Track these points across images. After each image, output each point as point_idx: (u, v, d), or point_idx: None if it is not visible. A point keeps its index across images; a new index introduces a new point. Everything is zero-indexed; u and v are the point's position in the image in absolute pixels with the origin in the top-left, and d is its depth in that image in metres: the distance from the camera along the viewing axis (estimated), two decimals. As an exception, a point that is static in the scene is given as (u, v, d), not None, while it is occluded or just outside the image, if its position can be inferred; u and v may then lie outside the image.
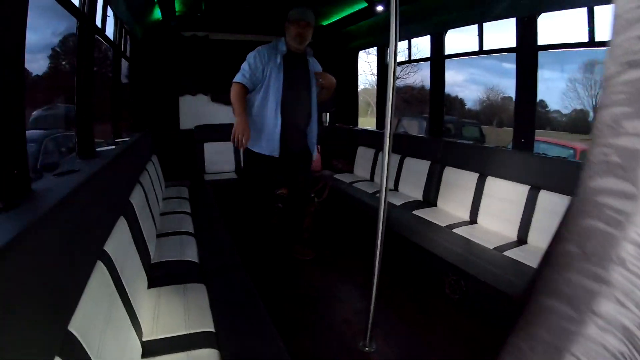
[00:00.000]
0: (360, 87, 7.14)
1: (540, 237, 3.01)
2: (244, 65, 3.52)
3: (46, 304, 1.15)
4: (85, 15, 2.59)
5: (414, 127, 11.91)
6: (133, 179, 2.90)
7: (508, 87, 23.30)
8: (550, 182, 3.03)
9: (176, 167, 5.25)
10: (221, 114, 5.73)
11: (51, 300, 1.18)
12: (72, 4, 2.43)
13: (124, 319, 1.66)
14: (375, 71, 5.89)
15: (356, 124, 6.46)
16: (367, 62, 17.39)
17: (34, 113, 11.60)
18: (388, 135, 2.14)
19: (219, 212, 3.78)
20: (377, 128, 5.76)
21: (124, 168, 2.78)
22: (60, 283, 1.27)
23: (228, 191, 4.82)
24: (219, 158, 5.48)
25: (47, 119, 7.66)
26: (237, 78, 3.50)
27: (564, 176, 2.93)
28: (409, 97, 18.11)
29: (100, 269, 1.56)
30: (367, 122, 13.41)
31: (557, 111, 24.73)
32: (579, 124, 23.65)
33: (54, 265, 1.26)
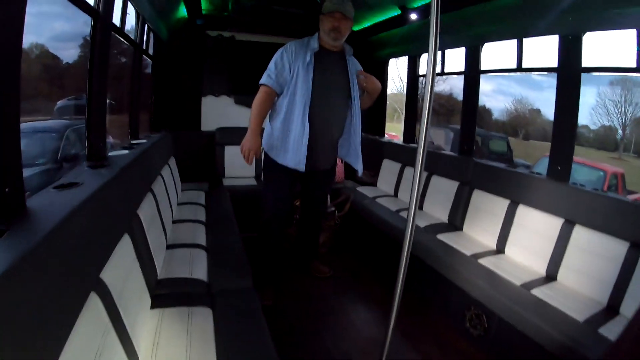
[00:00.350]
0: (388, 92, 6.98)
1: (571, 275, 2.79)
2: (270, 64, 3.13)
3: (31, 345, 1.04)
4: (99, 13, 2.45)
5: (440, 137, 11.71)
6: (144, 187, 2.77)
7: (536, 99, 22.94)
8: (587, 217, 2.81)
9: (195, 168, 5.18)
10: (244, 117, 5.52)
11: (37, 340, 1.06)
12: (85, 1, 2.30)
13: (119, 352, 1.53)
14: (403, 77, 5.66)
15: (383, 134, 6.26)
16: (395, 67, 17.26)
17: (59, 103, 11.74)
18: (420, 162, 1.86)
19: (235, 223, 3.64)
20: (404, 140, 5.55)
21: (136, 176, 2.65)
22: (48, 320, 1.14)
23: (246, 198, 4.71)
24: (239, 162, 5.24)
25: (71, 109, 7.67)
26: (263, 79, 3.12)
27: (602, 212, 2.72)
28: (436, 105, 17.82)
29: (93, 302, 1.42)
30: (393, 127, 13.25)
31: (585, 126, 24.39)
32: (606, 141, 23.27)
33: (41, 300, 1.13)
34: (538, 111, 23.35)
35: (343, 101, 3.19)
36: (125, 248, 1.93)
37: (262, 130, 3.19)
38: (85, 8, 2.34)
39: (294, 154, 3.08)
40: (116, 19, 2.83)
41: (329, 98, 3.11)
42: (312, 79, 3.04)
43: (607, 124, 23.81)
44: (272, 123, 3.20)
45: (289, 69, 3.05)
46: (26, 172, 4.47)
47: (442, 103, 18.47)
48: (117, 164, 2.42)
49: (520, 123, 23.97)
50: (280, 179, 3.26)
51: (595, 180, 7.75)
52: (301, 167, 3.08)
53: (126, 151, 2.95)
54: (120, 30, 3.12)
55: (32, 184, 5.69)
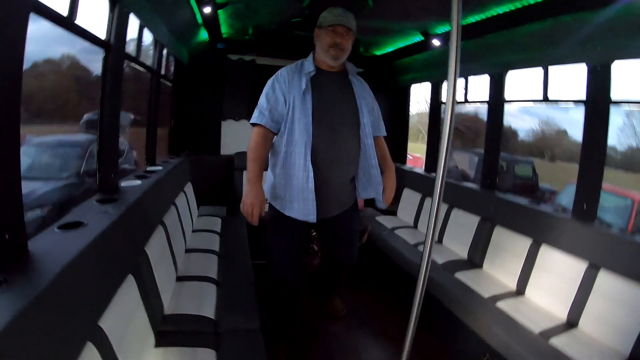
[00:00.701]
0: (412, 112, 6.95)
1: (593, 322, 2.63)
2: (261, 99, 2.63)
3: None
4: (110, 45, 2.45)
5: (465, 162, 11.54)
6: (155, 220, 2.74)
7: (563, 120, 22.55)
8: (612, 261, 2.65)
9: (214, 191, 5.19)
10: None
11: None
12: (94, 36, 2.30)
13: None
14: (428, 99, 5.58)
15: (404, 162, 6.17)
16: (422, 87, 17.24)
17: (85, 116, 11.99)
18: (437, 197, 1.71)
19: (249, 254, 3.58)
20: (425, 169, 5.46)
21: (147, 210, 2.62)
22: None
23: (263, 223, 4.62)
24: None
25: (97, 123, 7.79)
26: (254, 118, 2.59)
27: (629, 257, 2.57)
28: (462, 127, 17.56)
29: (89, 353, 1.38)
30: (417, 147, 13.17)
31: (613, 148, 23.88)
32: (635, 162, 22.75)
33: (36, 353, 1.10)
34: (564, 132, 22.92)
35: (352, 131, 2.66)
36: (128, 290, 1.90)
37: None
38: (96, 41, 2.35)
39: (300, 204, 2.57)
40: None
41: (334, 131, 2.60)
42: (312, 109, 2.54)
43: (634, 145, 23.33)
44: (272, 169, 2.73)
45: (284, 102, 2.56)
46: (48, 186, 4.55)
47: (468, 125, 18.21)
48: (127, 198, 2.41)
49: (547, 144, 23.58)
50: (289, 233, 2.75)
51: (623, 208, 7.52)
52: (312, 218, 2.57)
53: (139, 182, 2.93)
54: (135, 58, 3.13)
55: (53, 198, 5.78)
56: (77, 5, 2.03)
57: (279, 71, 2.66)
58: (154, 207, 2.81)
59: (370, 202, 5.60)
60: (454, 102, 1.60)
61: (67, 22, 1.98)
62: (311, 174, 2.50)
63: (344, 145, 2.63)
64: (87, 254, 1.56)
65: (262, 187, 2.51)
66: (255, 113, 2.60)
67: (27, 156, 6.78)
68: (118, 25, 2.47)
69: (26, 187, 5.71)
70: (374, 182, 2.73)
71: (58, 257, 1.42)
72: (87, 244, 1.60)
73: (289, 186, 2.59)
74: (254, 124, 2.59)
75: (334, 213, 2.77)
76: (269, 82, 2.65)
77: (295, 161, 2.53)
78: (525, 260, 3.22)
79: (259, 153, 2.53)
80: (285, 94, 2.55)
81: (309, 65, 2.64)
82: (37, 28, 1.55)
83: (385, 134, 2.92)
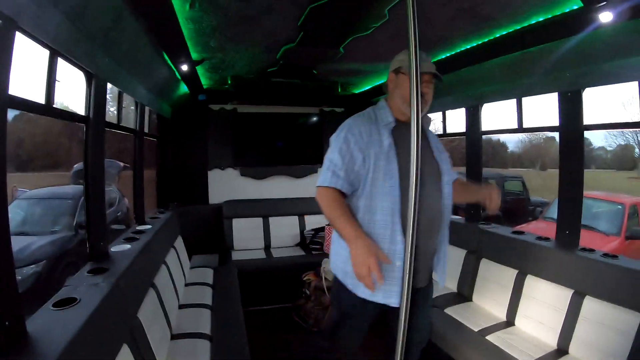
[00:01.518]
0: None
1: (583, 348, 2.68)
2: (332, 156, 2.10)
3: None
4: (89, 119, 2.52)
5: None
6: (147, 283, 2.77)
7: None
8: (597, 288, 2.71)
9: (204, 241, 5.22)
10: (250, 189, 5.73)
11: None
12: (73, 114, 2.42)
13: None
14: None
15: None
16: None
17: (75, 166, 11.99)
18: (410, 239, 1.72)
19: (240, 307, 3.59)
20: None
21: (138, 276, 2.65)
22: None
23: (255, 272, 4.73)
24: (248, 235, 5.41)
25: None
26: (325, 180, 2.08)
27: (613, 283, 2.63)
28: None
29: None
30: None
31: (602, 148, 24.14)
32: (624, 160, 22.96)
33: None
34: (552, 139, 23.16)
35: (435, 194, 2.18)
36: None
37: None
38: (76, 118, 2.42)
39: (384, 283, 1.95)
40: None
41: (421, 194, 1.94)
42: (398, 169, 2.06)
43: (622, 143, 23.61)
44: (340, 240, 2.13)
45: (362, 160, 2.07)
46: (42, 241, 4.59)
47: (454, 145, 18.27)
48: (117, 266, 2.45)
49: (536, 154, 23.79)
50: (362, 318, 2.25)
51: (615, 213, 7.61)
52: (394, 301, 2.05)
53: (129, 245, 2.96)
54: (116, 125, 3.21)
55: (48, 252, 5.81)
56: (54, 91, 2.11)
57: (349, 121, 2.20)
58: (144, 271, 2.84)
59: None
60: (419, 137, 1.67)
61: (46, 109, 2.06)
62: (400, 248, 2.02)
63: (430, 212, 2.13)
64: (82, 334, 1.60)
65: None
66: (327, 174, 2.08)
67: (19, 209, 6.83)
68: (96, 97, 2.52)
69: (20, 242, 5.73)
70: (444, 254, 2.28)
71: (56, 339, 1.48)
72: (82, 324, 1.65)
73: None
74: (322, 187, 2.09)
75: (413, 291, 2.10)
76: (340, 135, 2.15)
77: (377, 230, 2.06)
78: (512, 291, 3.27)
79: (343, 207, 2.05)
80: (364, 151, 2.07)
81: (386, 115, 2.19)
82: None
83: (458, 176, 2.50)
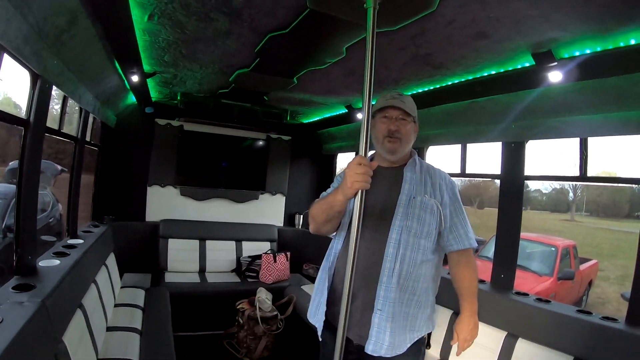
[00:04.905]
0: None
1: (515, 390, 2.73)
2: (333, 184, 2.22)
3: None
4: (29, 122, 2.38)
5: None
6: (74, 303, 2.61)
7: (487, 166, 23.72)
8: (530, 330, 2.79)
9: (138, 258, 5.04)
10: (190, 209, 5.56)
11: None
12: (12, 115, 2.28)
13: None
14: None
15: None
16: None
17: (11, 163, 11.29)
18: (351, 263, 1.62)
19: (171, 334, 3.45)
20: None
21: (65, 294, 2.48)
22: None
23: (187, 295, 4.59)
24: (184, 256, 5.23)
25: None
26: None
27: (545, 326, 2.71)
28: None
29: None
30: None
31: (538, 190, 25.31)
32: (558, 203, 24.13)
33: None
34: (491, 180, 24.09)
35: (380, 240, 2.00)
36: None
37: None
38: (15, 121, 2.29)
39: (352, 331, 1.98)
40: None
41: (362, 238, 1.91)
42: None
43: (558, 187, 24.85)
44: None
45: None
46: None
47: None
48: (44, 285, 2.30)
49: (475, 193, 24.62)
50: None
51: (548, 255, 7.97)
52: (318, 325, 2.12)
53: (58, 261, 2.79)
54: (57, 130, 3.07)
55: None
56: None
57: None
58: (73, 290, 2.68)
59: (297, 268, 5.66)
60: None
61: None
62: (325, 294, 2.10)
63: (365, 260, 1.98)
64: (4, 358, 1.51)
65: None
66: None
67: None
68: (39, 100, 2.39)
69: None
70: (386, 322, 1.94)
71: None
72: (5, 347, 1.54)
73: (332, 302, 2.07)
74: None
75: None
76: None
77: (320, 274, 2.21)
78: (447, 331, 3.28)
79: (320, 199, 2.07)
80: None
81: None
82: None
83: (468, 246, 2.12)
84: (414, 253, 1.97)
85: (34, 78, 2.37)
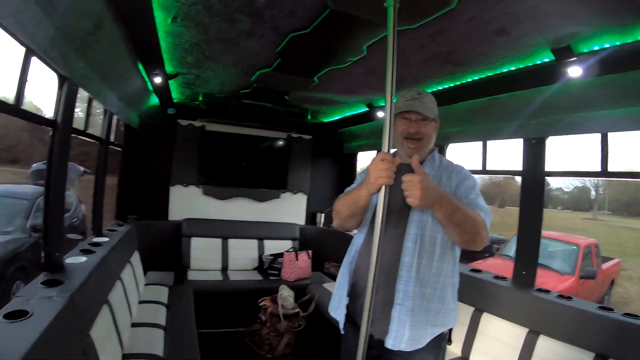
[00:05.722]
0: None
1: (536, 386, 2.72)
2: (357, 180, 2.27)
3: None
4: (57, 123, 2.43)
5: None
6: (101, 300, 2.66)
7: (509, 164, 23.50)
8: (551, 327, 2.77)
9: (161, 257, 5.11)
10: (212, 208, 5.62)
11: None
12: (41, 117, 2.35)
13: None
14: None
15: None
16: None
17: (34, 166, 11.52)
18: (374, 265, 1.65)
19: (195, 329, 3.50)
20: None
21: (92, 290, 2.54)
22: None
23: (210, 293, 4.64)
24: (206, 255, 5.30)
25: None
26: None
27: (567, 322, 2.69)
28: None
29: None
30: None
31: (559, 189, 24.97)
32: (580, 202, 23.79)
33: None
34: (512, 178, 23.82)
35: (397, 236, 2.01)
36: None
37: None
38: (43, 122, 2.35)
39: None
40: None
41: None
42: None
43: (580, 185, 24.45)
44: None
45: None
46: None
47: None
48: (72, 281, 2.35)
49: (496, 191, 24.40)
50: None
51: (570, 253, 7.85)
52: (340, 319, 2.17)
53: (84, 258, 2.86)
54: (83, 131, 3.12)
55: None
56: (24, 92, 2.04)
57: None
58: (99, 286, 2.73)
59: (318, 266, 5.66)
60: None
61: (14, 109, 1.99)
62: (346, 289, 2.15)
63: (384, 257, 1.94)
64: (34, 351, 1.54)
65: None
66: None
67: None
68: (66, 102, 2.45)
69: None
70: (407, 317, 1.95)
71: (5, 355, 1.42)
72: (35, 340, 1.58)
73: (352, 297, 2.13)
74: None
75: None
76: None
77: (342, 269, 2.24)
78: (468, 328, 3.30)
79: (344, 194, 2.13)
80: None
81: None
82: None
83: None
84: (432, 247, 1.99)
85: (61, 80, 2.41)
